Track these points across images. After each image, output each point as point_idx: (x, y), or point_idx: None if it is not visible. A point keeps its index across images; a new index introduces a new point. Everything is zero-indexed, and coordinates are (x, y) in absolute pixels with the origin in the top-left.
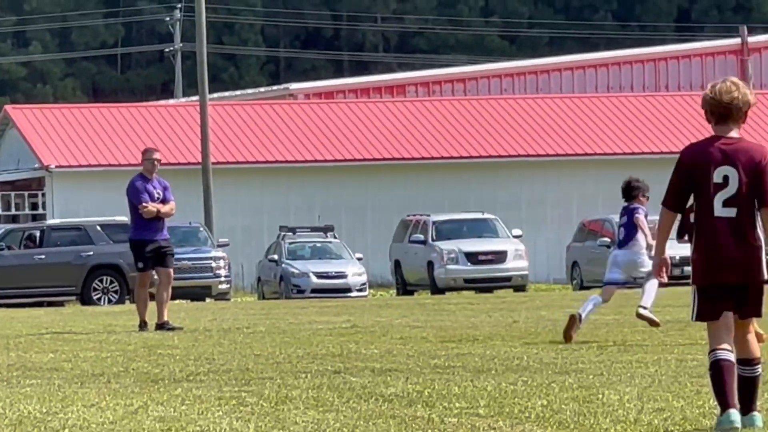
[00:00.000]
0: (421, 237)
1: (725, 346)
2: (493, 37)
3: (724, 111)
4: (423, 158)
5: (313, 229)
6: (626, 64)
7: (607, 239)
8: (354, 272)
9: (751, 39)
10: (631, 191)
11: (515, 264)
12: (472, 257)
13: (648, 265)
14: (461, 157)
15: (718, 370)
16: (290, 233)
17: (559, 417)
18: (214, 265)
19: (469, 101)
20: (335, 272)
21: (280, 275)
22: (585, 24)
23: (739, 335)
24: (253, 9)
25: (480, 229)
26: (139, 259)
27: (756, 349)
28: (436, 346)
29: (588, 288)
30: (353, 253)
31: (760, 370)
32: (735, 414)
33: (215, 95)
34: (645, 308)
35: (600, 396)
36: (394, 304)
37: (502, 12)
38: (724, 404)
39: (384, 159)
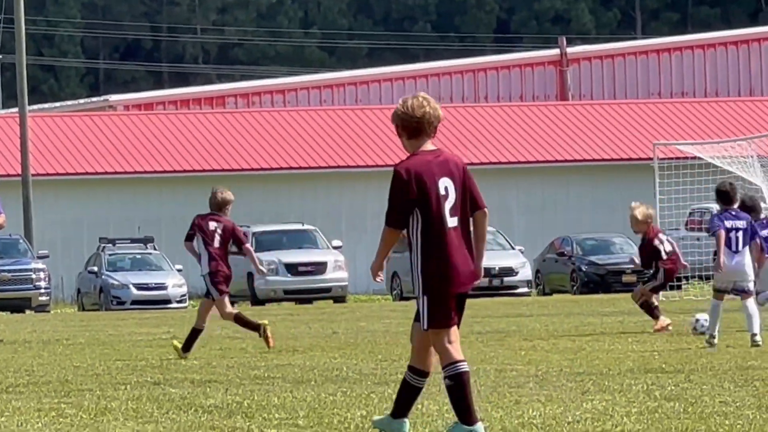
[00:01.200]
0: None
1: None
2: (312, 49)
3: (417, 125)
4: (243, 169)
5: (133, 241)
6: (446, 75)
7: None
8: (174, 283)
9: (569, 50)
10: None
11: (335, 275)
12: (292, 268)
13: None
14: (281, 168)
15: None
16: (110, 245)
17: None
18: (34, 276)
19: (289, 112)
20: (155, 283)
21: (100, 287)
22: (404, 35)
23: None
24: (72, 21)
25: (300, 240)
26: None
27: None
28: (255, 357)
29: (407, 299)
30: (173, 264)
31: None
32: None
33: (35, 107)
34: None
35: (420, 406)
36: (214, 315)
37: (321, 23)
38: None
39: (204, 170)
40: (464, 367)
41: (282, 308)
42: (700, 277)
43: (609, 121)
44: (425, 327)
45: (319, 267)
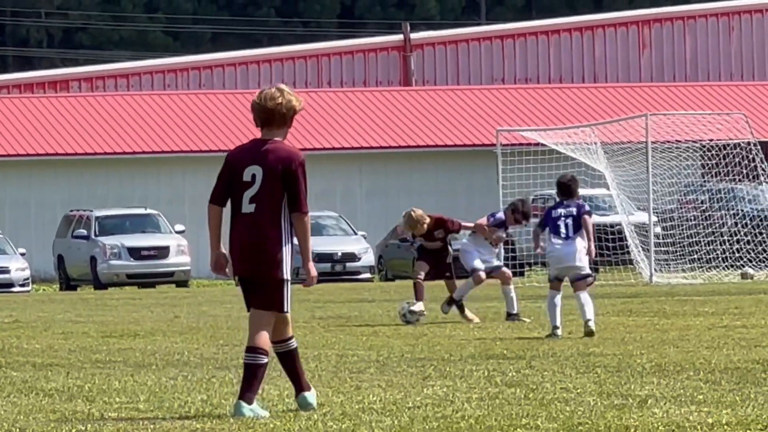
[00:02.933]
0: (84, 232)
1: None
2: (157, 33)
3: (269, 115)
4: (86, 153)
5: None
6: (289, 60)
7: None
8: (17, 267)
9: (413, 35)
10: None
11: (178, 259)
12: (135, 252)
13: None
14: (124, 153)
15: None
16: None
17: (218, 412)
18: None
19: (132, 97)
20: None
21: None
22: (248, 20)
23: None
24: None
25: (143, 224)
26: None
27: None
28: (97, 341)
29: None
30: (16, 248)
31: (264, 359)
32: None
33: None
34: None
35: (260, 391)
36: (57, 299)
37: (165, 8)
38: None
39: (47, 154)
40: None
41: (124, 292)
42: (543, 264)
43: (452, 107)
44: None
45: (162, 251)
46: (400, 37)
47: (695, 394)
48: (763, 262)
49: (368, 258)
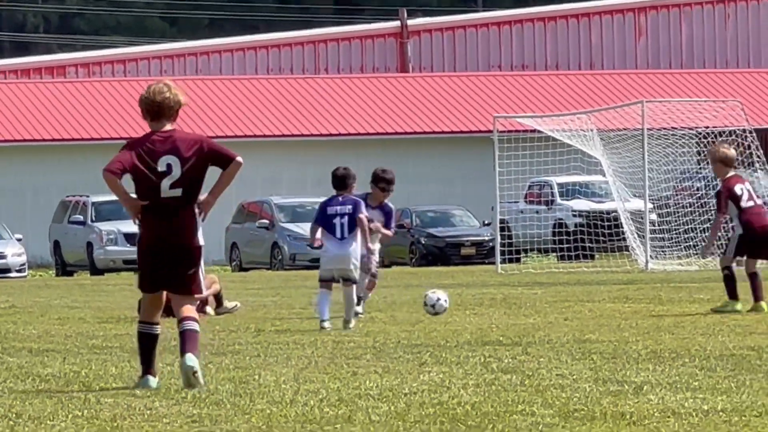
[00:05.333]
0: (81, 218)
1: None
2: (154, 19)
3: (157, 109)
4: (83, 139)
5: None
6: (286, 47)
7: (266, 221)
8: (13, 252)
9: (410, 22)
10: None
11: None
12: (131, 238)
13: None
14: (120, 138)
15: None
16: None
17: (215, 397)
18: None
19: (129, 82)
20: None
21: None
22: (245, 6)
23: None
24: None
25: None
26: None
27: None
28: (93, 327)
29: (247, 270)
30: (13, 233)
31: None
32: (152, 380)
33: None
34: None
35: (256, 377)
36: (53, 284)
37: None
38: (145, 370)
39: (44, 140)
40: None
41: (121, 278)
42: (539, 251)
43: (449, 94)
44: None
45: None
46: (397, 23)
47: (690, 380)
48: None
49: None
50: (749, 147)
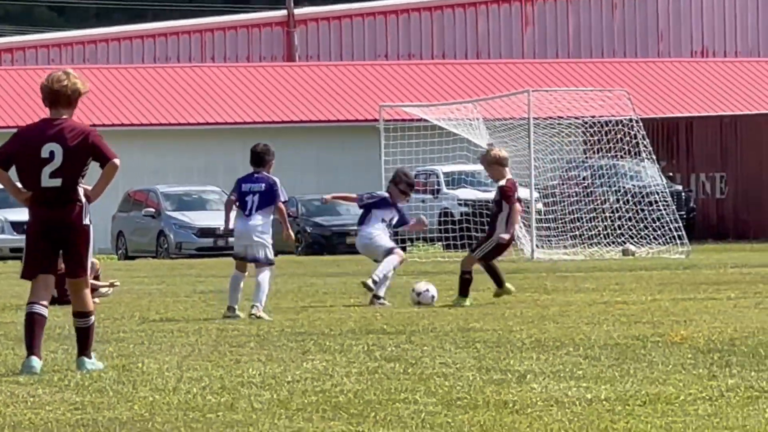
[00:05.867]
0: None
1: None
2: (42, 9)
3: (55, 97)
4: None
5: None
6: (173, 35)
7: (152, 209)
8: None
9: (297, 11)
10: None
11: None
12: (18, 227)
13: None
14: (8, 127)
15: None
16: None
17: (98, 385)
18: None
19: (17, 71)
20: None
21: None
22: None
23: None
24: None
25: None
26: None
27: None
28: None
29: (133, 258)
30: None
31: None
32: (36, 360)
33: None
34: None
35: (140, 365)
36: None
37: None
38: (29, 351)
39: None
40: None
41: (8, 266)
42: (425, 239)
43: (336, 83)
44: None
45: None
46: (284, 12)
47: (574, 369)
48: (645, 238)
49: None
50: (636, 137)
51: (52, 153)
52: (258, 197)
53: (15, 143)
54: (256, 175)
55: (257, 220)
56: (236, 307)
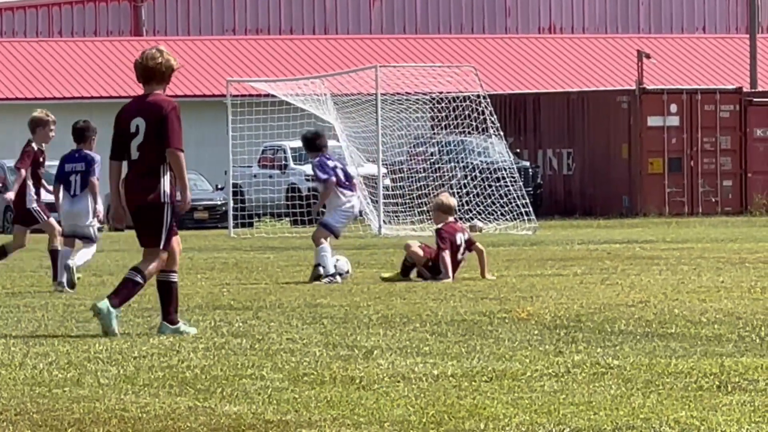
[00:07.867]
0: None
1: None
2: None
3: (151, 73)
4: None
5: None
6: (20, 9)
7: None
8: None
9: None
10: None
11: None
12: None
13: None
14: None
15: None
16: None
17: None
18: None
19: None
20: None
21: None
22: None
23: None
24: None
25: None
26: None
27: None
28: None
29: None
30: None
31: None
32: None
33: None
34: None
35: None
36: None
37: None
38: None
39: None
40: (167, 276)
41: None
42: (272, 215)
43: (183, 58)
44: None
45: None
46: None
47: (421, 345)
48: (492, 215)
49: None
50: (483, 113)
51: (137, 127)
52: (79, 176)
53: (115, 126)
54: (76, 154)
55: (83, 202)
56: (64, 281)
